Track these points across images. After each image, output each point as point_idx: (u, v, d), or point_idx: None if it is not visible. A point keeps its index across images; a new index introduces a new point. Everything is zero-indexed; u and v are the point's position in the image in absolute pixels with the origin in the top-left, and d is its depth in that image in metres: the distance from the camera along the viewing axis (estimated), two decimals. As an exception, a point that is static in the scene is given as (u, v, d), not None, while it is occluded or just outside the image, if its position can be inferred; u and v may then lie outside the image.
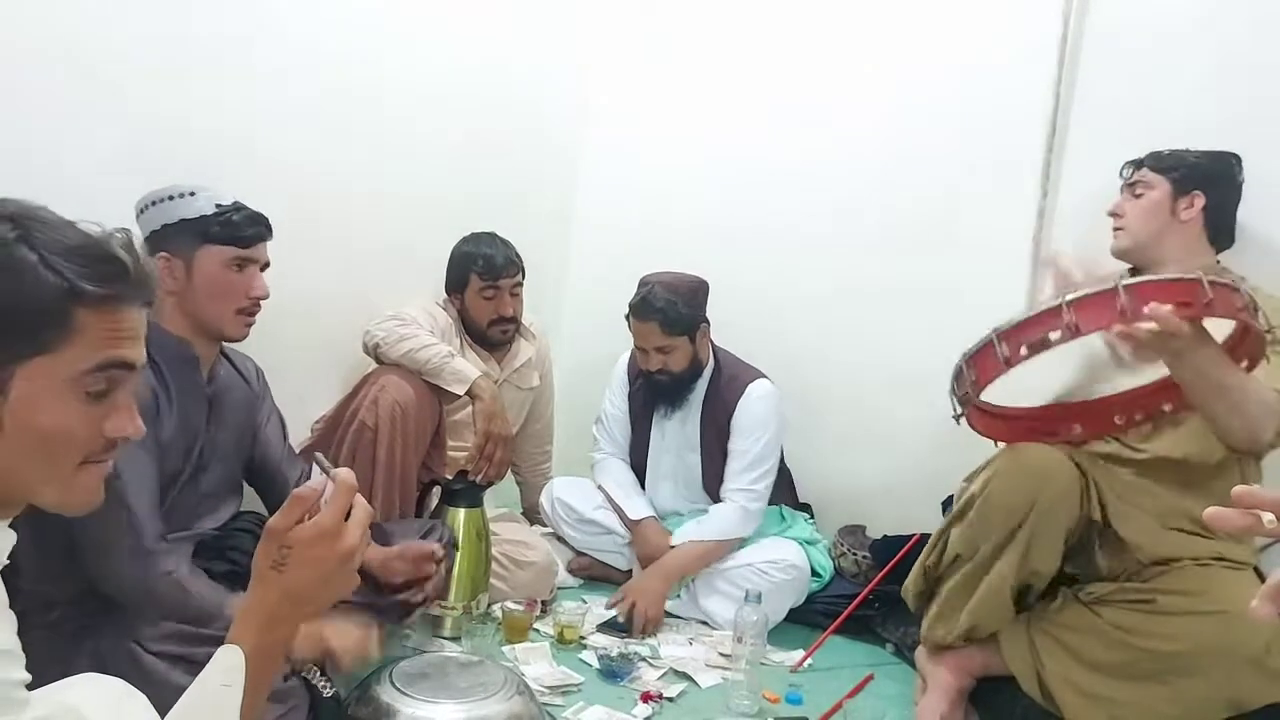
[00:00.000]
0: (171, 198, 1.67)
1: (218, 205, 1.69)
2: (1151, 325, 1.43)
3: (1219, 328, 1.57)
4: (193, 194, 1.68)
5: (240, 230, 1.71)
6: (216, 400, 1.76)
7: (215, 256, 1.69)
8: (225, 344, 1.81)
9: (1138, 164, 2.10)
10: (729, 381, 2.59)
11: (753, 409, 2.54)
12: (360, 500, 0.97)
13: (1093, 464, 1.92)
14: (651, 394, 2.65)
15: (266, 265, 1.78)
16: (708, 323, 2.59)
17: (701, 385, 2.62)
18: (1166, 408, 1.79)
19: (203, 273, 1.68)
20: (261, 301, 1.76)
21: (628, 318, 2.58)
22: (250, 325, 1.76)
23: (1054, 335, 1.44)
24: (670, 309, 2.48)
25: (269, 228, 1.76)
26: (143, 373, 1.55)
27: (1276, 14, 2.25)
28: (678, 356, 2.53)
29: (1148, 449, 1.94)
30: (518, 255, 2.60)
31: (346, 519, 0.95)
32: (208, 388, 1.74)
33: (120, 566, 1.52)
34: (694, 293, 2.54)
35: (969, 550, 1.90)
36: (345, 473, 0.98)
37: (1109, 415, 1.84)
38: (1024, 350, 1.49)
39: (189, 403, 1.69)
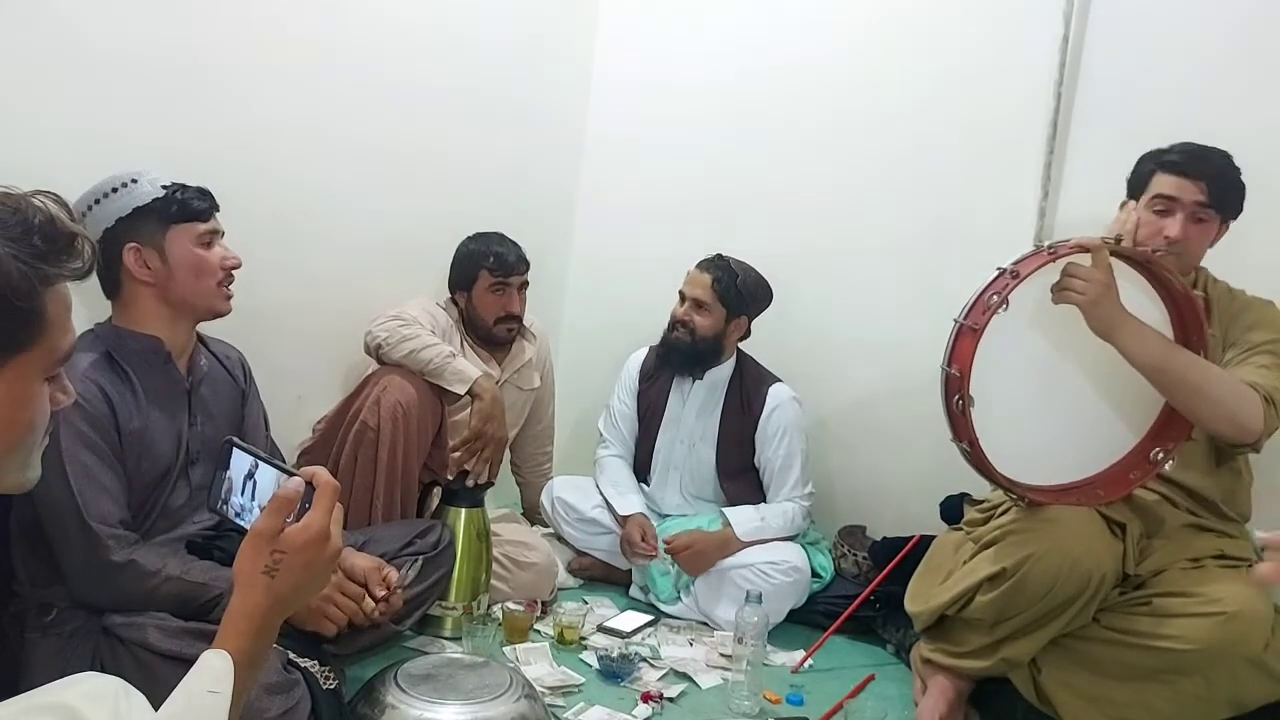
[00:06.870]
0: (115, 189, 1.62)
1: (164, 186, 1.65)
2: (1074, 257, 1.69)
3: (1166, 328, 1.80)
4: (135, 180, 1.63)
5: (197, 205, 1.67)
6: (197, 392, 1.74)
7: (184, 235, 1.66)
8: (205, 335, 1.79)
9: (1202, 181, 1.86)
10: (754, 382, 2.68)
11: (788, 413, 2.63)
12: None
13: (1120, 511, 1.87)
14: (667, 357, 2.70)
15: (223, 234, 1.74)
16: (749, 321, 2.68)
17: (725, 376, 2.68)
18: (1159, 455, 1.84)
19: (178, 255, 1.65)
20: (235, 272, 1.73)
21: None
22: (231, 298, 1.74)
23: (1001, 287, 1.69)
24: (729, 277, 2.60)
25: (214, 198, 1.73)
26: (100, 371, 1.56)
27: (1277, 11, 2.25)
28: (707, 321, 2.61)
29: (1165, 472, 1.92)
30: (525, 254, 2.61)
31: None
32: (186, 380, 1.72)
33: (71, 556, 1.52)
34: (759, 285, 2.65)
35: (998, 618, 1.85)
36: (323, 472, 0.97)
37: (1125, 474, 1.86)
38: (986, 313, 1.67)
39: (164, 398, 1.67)
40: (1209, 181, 1.87)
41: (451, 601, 2.21)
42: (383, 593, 1.74)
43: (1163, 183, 1.90)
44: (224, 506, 1.05)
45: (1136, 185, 1.97)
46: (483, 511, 2.30)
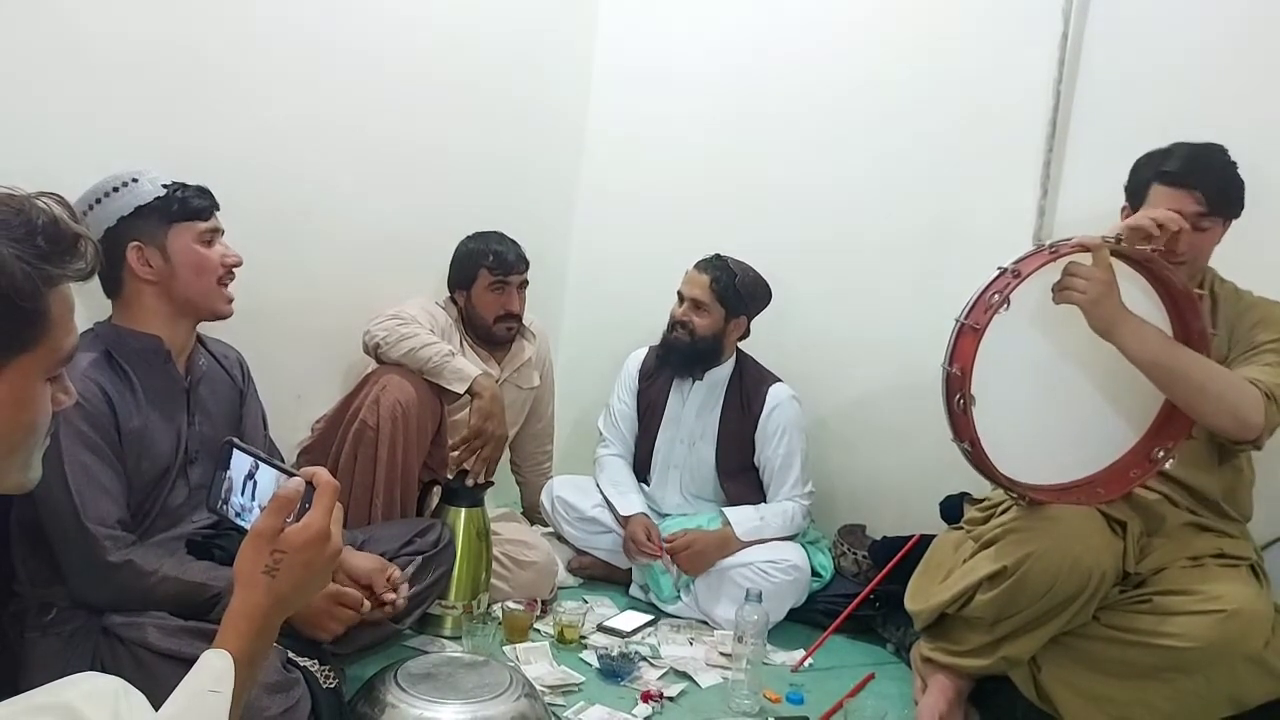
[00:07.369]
0: (116, 189, 1.63)
1: (164, 185, 1.66)
2: (1075, 257, 1.70)
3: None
4: (135, 180, 1.64)
5: (198, 204, 1.68)
6: (196, 392, 1.74)
7: (185, 234, 1.67)
8: (204, 335, 1.79)
9: (1198, 190, 1.85)
10: (754, 381, 2.69)
11: (787, 412, 2.63)
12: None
13: (1120, 509, 1.87)
14: (666, 358, 2.70)
15: (223, 232, 1.75)
16: (748, 321, 2.68)
17: (724, 376, 2.69)
18: (1159, 454, 1.84)
19: (180, 253, 1.66)
20: (235, 270, 1.74)
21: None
22: (232, 300, 1.74)
23: (1003, 286, 1.69)
24: (728, 276, 2.60)
25: (214, 196, 1.73)
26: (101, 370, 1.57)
27: (1276, 10, 2.25)
28: (705, 322, 2.61)
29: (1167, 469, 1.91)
30: (525, 253, 2.61)
31: None
32: (185, 379, 1.72)
33: (70, 556, 1.52)
34: (758, 285, 2.65)
35: (998, 616, 1.85)
36: (323, 472, 0.97)
37: (1125, 472, 1.86)
38: (987, 312, 1.67)
39: (164, 398, 1.67)
40: (1205, 190, 1.85)
41: (451, 600, 2.21)
42: (391, 595, 1.75)
43: (1160, 196, 1.89)
44: (224, 506, 1.05)
45: (1134, 194, 1.96)
46: (483, 510, 2.30)
